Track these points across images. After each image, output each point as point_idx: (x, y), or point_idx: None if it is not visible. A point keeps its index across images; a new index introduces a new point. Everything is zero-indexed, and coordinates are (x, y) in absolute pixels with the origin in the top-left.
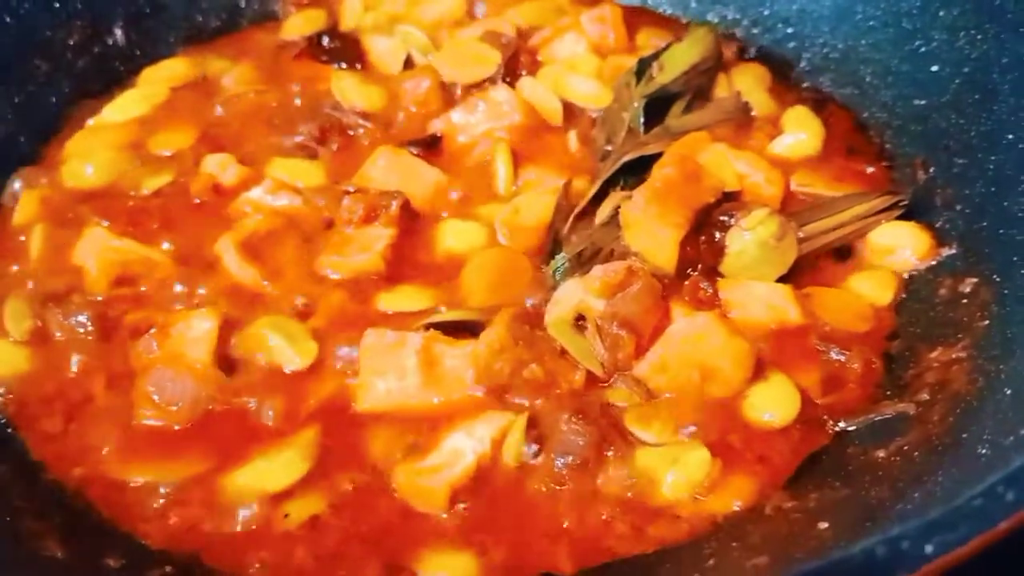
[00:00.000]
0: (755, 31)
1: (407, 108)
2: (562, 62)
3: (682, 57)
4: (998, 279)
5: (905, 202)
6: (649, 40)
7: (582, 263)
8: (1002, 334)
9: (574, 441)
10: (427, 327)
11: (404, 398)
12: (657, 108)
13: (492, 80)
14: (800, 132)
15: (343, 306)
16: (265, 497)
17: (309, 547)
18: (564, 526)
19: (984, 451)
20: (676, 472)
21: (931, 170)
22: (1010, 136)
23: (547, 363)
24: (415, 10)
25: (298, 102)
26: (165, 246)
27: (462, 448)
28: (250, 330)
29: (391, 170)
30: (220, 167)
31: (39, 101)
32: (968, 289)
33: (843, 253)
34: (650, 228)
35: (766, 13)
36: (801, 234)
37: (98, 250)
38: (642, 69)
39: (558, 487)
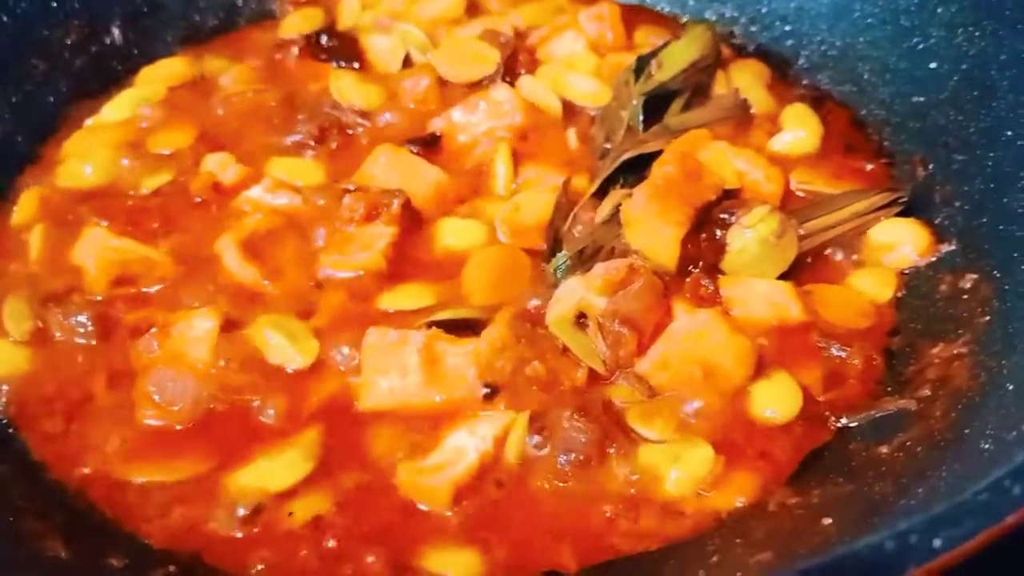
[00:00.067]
0: (753, 28)
1: (406, 106)
2: (561, 60)
3: (681, 55)
4: (998, 275)
5: (904, 199)
6: (647, 38)
7: (583, 261)
8: (1003, 330)
9: (576, 438)
10: (429, 325)
11: (406, 396)
12: (656, 106)
13: (491, 79)
14: (799, 129)
15: (344, 305)
16: (268, 496)
17: (312, 546)
18: (567, 523)
19: (987, 446)
20: (679, 468)
21: (930, 167)
22: (1009, 132)
23: (549, 361)
24: (413, 8)
25: (297, 101)
26: (165, 245)
27: (465, 446)
28: (251, 329)
29: (391, 168)
30: (220, 166)
31: (37, 101)
32: (968, 285)
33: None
34: (651, 226)
35: (764, 11)
36: (801, 231)
37: (98, 250)
38: (640, 67)
39: (561, 484)
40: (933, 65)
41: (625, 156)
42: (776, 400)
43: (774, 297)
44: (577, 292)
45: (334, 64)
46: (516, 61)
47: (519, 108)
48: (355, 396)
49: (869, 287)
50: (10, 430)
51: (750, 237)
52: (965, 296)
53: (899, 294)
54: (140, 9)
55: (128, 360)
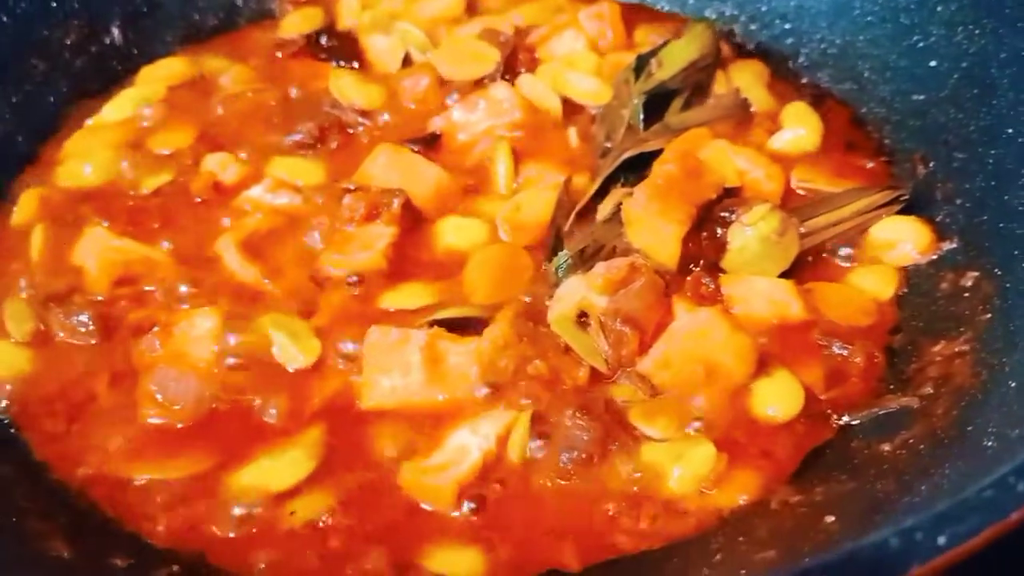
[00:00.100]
0: (753, 27)
1: (406, 106)
2: (561, 59)
3: (681, 53)
4: (999, 273)
5: (905, 197)
6: (647, 37)
7: (584, 260)
8: (1005, 327)
9: (579, 437)
10: (431, 324)
11: (408, 395)
12: (656, 104)
13: (491, 78)
14: (799, 128)
15: (345, 304)
16: (270, 496)
17: (315, 546)
18: (569, 522)
19: (990, 443)
20: (682, 467)
21: (931, 165)
22: (1009, 130)
23: (551, 360)
24: (413, 8)
25: (297, 100)
26: (165, 245)
27: (467, 445)
28: (253, 328)
29: (391, 168)
30: (220, 166)
31: (37, 101)
32: (970, 283)
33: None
34: (652, 224)
35: (764, 9)
36: (802, 229)
37: (99, 250)
38: (641, 66)
39: (563, 483)
40: (933, 63)
41: (626, 155)
42: (778, 398)
43: (775, 295)
44: (578, 291)
45: (334, 64)
46: (516, 60)
47: (519, 107)
48: (357, 395)
49: (870, 285)
50: (12, 430)
51: (751, 235)
52: (966, 294)
53: (900, 292)
54: (140, 9)
55: (130, 360)
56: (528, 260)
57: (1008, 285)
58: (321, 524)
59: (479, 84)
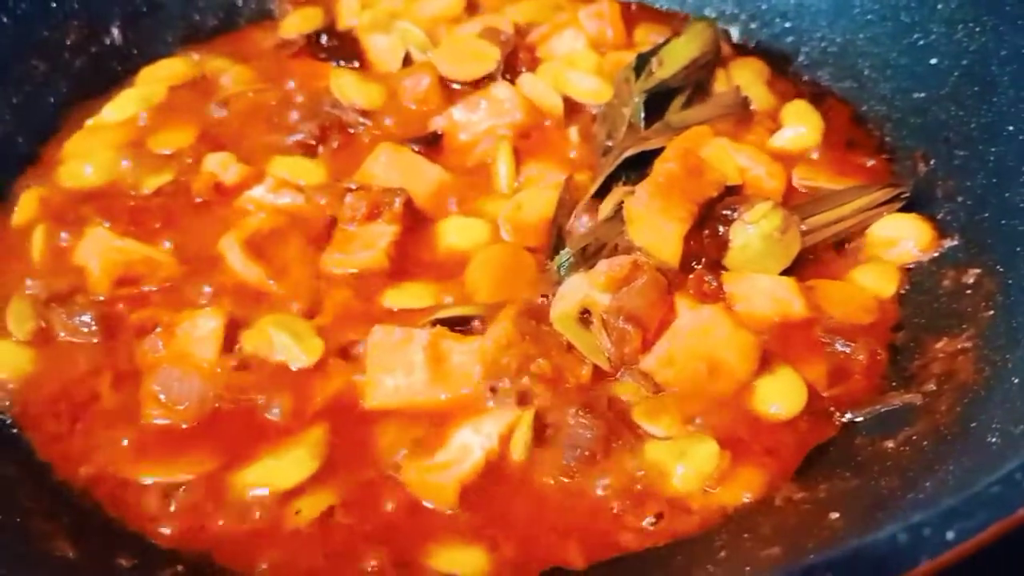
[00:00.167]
0: (753, 25)
1: (406, 105)
2: (561, 58)
3: (681, 52)
4: (1002, 270)
5: (906, 194)
6: (647, 35)
7: (586, 258)
8: (1007, 324)
9: (582, 435)
10: (433, 323)
11: (412, 394)
12: (657, 103)
13: (492, 77)
14: (799, 126)
15: (348, 303)
16: (275, 495)
17: (319, 544)
18: (574, 520)
19: (994, 440)
20: (685, 464)
21: (931, 162)
22: (1010, 128)
23: (554, 358)
24: (413, 7)
25: (298, 100)
26: (167, 245)
27: (470, 444)
28: (256, 328)
29: (392, 167)
30: (221, 166)
31: (37, 101)
32: (972, 280)
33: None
34: (654, 222)
35: (764, 7)
36: (804, 227)
37: (100, 250)
38: (641, 64)
39: (567, 481)
40: (933, 61)
41: (627, 153)
42: (781, 396)
43: (777, 293)
44: (581, 289)
45: (334, 63)
46: (516, 59)
47: (520, 106)
48: (360, 394)
49: (872, 283)
50: (15, 431)
51: (753, 233)
52: (968, 291)
53: (902, 289)
54: (139, 9)
55: (133, 360)
56: (530, 259)
57: (1010, 282)
58: (325, 523)
59: (480, 83)
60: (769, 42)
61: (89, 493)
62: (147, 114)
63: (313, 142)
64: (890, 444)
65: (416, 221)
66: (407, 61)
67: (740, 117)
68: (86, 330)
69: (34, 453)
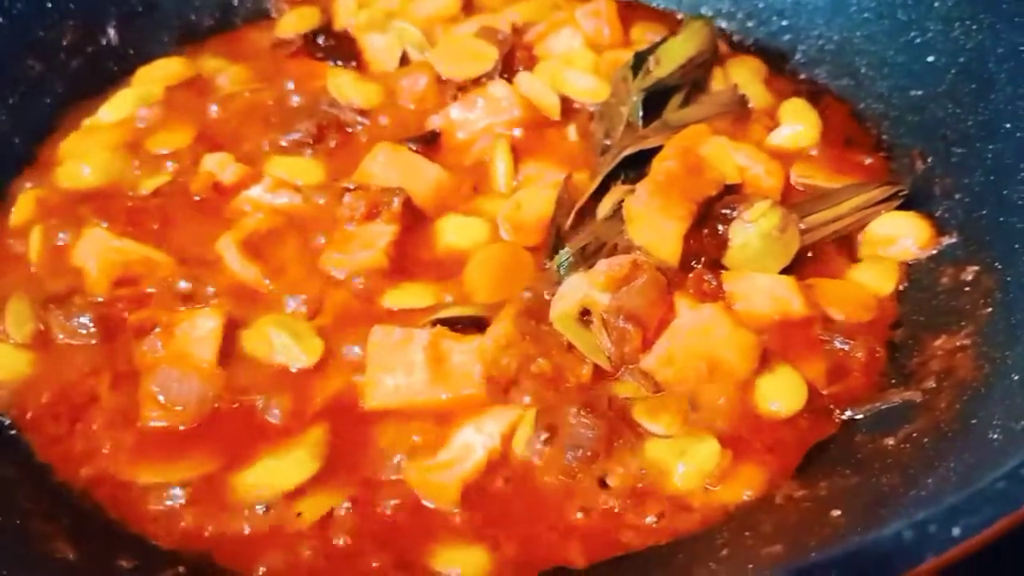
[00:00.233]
0: (750, 24)
1: (404, 105)
2: (558, 57)
3: (678, 50)
4: (1000, 267)
5: (904, 192)
6: (644, 34)
7: (586, 258)
8: (1006, 321)
9: (583, 434)
10: (433, 323)
11: (412, 394)
12: (655, 101)
13: (489, 76)
14: (797, 124)
15: (348, 303)
16: (276, 496)
17: (320, 545)
18: (575, 519)
19: (996, 436)
20: (686, 463)
21: (929, 160)
22: (1007, 125)
23: (554, 357)
24: (409, 7)
25: (295, 100)
26: (165, 246)
27: (472, 443)
28: (255, 329)
29: (391, 166)
30: (219, 166)
31: (33, 102)
32: (970, 277)
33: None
34: (653, 221)
35: (761, 5)
36: (802, 226)
37: (98, 251)
38: (639, 63)
39: (568, 480)
40: (931, 59)
41: (626, 152)
42: (781, 394)
43: (776, 291)
44: (580, 289)
45: (331, 63)
46: (514, 58)
47: (518, 105)
48: (360, 394)
49: (871, 280)
50: (13, 432)
51: (752, 232)
52: (967, 288)
53: (901, 287)
54: (135, 9)
55: (132, 361)
56: (529, 259)
57: (1009, 279)
58: (326, 524)
59: (477, 83)
60: (766, 40)
61: (89, 494)
62: (144, 114)
63: (311, 142)
64: (890, 441)
65: (415, 220)
66: (404, 60)
67: (738, 115)
68: (84, 332)
69: (34, 455)
